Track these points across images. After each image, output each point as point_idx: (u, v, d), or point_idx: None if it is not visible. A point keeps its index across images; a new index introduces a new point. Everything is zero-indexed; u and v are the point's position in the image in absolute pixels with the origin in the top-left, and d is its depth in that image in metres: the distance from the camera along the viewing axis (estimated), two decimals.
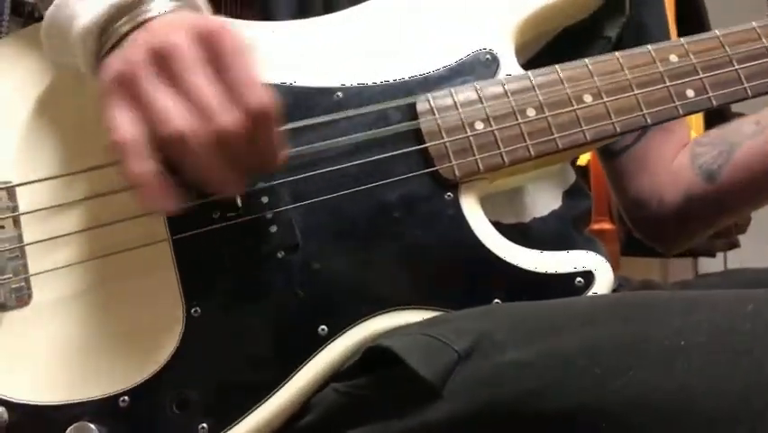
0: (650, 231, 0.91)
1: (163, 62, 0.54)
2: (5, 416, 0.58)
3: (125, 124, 0.54)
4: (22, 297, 0.61)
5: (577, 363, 0.50)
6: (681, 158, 0.88)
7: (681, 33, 0.72)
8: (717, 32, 0.70)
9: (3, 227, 0.61)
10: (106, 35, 0.58)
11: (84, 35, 0.59)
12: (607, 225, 1.58)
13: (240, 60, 0.55)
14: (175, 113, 0.53)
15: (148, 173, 0.54)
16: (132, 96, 0.54)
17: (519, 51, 0.72)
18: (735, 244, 1.98)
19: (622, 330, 0.51)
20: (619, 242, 1.55)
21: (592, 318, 0.53)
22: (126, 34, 0.57)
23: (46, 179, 0.62)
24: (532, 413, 0.51)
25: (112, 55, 0.57)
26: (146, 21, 0.57)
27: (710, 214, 0.86)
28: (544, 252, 0.64)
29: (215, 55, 0.54)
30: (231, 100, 0.54)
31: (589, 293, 0.62)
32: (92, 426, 0.57)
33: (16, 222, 0.62)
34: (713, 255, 2.02)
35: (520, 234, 0.71)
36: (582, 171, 1.59)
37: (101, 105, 0.56)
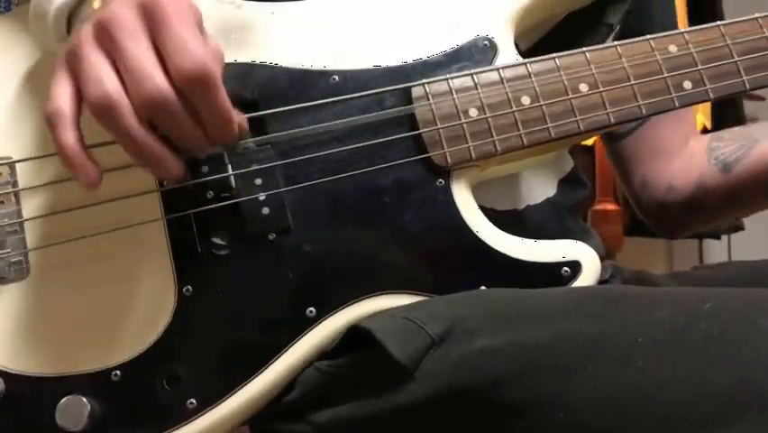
0: (655, 215, 0.90)
1: (103, 32, 0.54)
2: (2, 386, 0.59)
3: (58, 96, 0.54)
4: (20, 270, 0.62)
5: (542, 355, 0.51)
6: (695, 147, 0.87)
7: (693, 23, 0.71)
8: (718, 22, 0.69)
9: (2, 202, 0.63)
10: (75, 18, 0.58)
11: (57, 16, 0.59)
12: (611, 206, 1.58)
13: (176, 25, 0.53)
14: (104, 79, 0.53)
15: (71, 143, 0.54)
16: (72, 68, 0.55)
17: (520, 38, 0.72)
18: (739, 227, 1.98)
19: (588, 325, 0.52)
20: (623, 223, 1.55)
21: (562, 311, 0.53)
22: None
23: (46, 155, 0.63)
24: (496, 401, 0.52)
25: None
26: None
27: (720, 205, 0.85)
28: (533, 240, 0.65)
29: (153, 22, 0.53)
30: (163, 65, 0.53)
31: (575, 283, 0.63)
32: (84, 399, 0.59)
33: (16, 197, 0.63)
34: (718, 238, 2.02)
35: (514, 220, 0.71)
36: (589, 150, 1.59)
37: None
